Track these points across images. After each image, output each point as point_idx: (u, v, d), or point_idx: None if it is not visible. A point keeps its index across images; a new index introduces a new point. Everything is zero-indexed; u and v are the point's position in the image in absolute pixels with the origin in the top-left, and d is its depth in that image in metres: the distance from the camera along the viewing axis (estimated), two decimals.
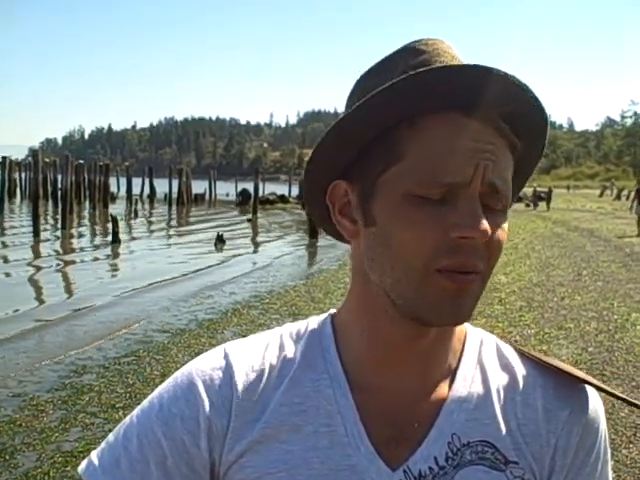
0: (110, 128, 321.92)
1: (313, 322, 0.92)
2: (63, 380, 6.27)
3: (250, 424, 0.83)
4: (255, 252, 19.26)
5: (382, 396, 0.85)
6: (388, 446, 0.82)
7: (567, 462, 0.84)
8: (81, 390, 5.95)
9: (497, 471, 0.82)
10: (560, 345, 7.37)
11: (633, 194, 26.00)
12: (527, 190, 47.07)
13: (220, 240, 19.71)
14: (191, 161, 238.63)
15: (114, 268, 15.43)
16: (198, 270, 14.28)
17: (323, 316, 0.93)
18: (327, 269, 13.89)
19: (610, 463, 0.91)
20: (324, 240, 19.63)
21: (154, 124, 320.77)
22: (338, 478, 0.81)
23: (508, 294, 10.42)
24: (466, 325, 0.91)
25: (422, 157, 0.75)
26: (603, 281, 11.97)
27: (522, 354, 0.91)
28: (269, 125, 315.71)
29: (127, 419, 0.87)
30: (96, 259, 16.76)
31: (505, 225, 0.79)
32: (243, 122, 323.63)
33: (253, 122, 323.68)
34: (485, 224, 0.73)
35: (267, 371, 0.86)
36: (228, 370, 0.85)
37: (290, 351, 0.88)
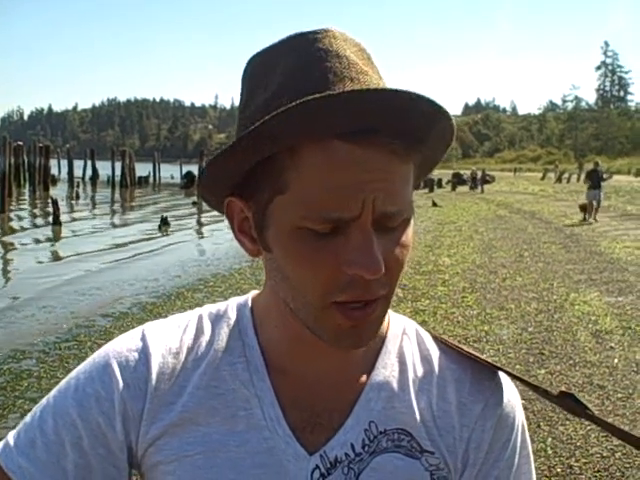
0: (50, 109, 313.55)
1: (233, 304, 0.90)
2: (1, 366, 6.12)
3: (166, 407, 0.82)
4: (200, 235, 19.07)
5: (300, 381, 0.84)
6: (305, 430, 0.82)
7: (481, 456, 0.85)
8: (20, 376, 5.82)
9: (412, 459, 0.82)
10: (501, 325, 7.51)
11: (583, 177, 24.98)
12: (472, 172, 47.77)
13: (164, 223, 19.45)
14: (134, 143, 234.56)
15: (54, 251, 15.07)
16: (141, 253, 14.06)
17: (244, 298, 0.91)
18: None
19: (531, 456, 0.91)
20: None
21: (96, 105, 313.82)
22: (255, 461, 0.80)
23: (451, 276, 10.57)
24: (389, 313, 0.90)
25: (305, 190, 0.70)
26: (544, 262, 12.24)
27: (442, 344, 0.91)
28: (214, 107, 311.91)
29: (44, 400, 0.85)
30: (37, 242, 16.36)
31: (409, 233, 0.76)
32: (187, 104, 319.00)
33: (198, 104, 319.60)
34: (380, 263, 0.70)
35: (184, 353, 0.85)
36: (144, 351, 0.83)
37: (208, 333, 0.87)
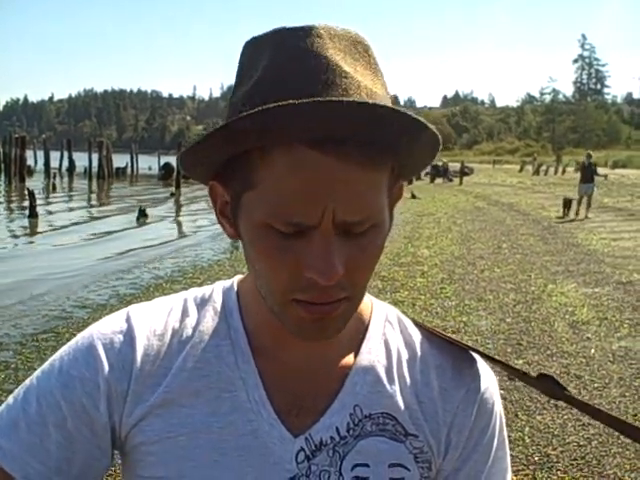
0: (26, 99, 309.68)
1: (218, 288, 0.91)
2: None
3: (151, 388, 0.82)
4: (178, 227, 18.96)
5: (285, 364, 0.85)
6: (290, 414, 0.83)
7: (462, 440, 0.87)
8: None
9: (397, 442, 0.84)
10: (480, 316, 7.57)
11: (578, 171, 21.94)
12: (449, 165, 47.95)
13: (142, 214, 19.30)
14: (112, 134, 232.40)
15: (30, 243, 14.92)
16: (119, 245, 13.95)
17: (229, 282, 0.92)
18: None
19: (507, 442, 0.93)
20: None
21: (72, 96, 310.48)
22: (239, 443, 0.81)
23: (430, 267, 10.62)
24: (372, 299, 0.92)
25: (270, 192, 0.71)
26: (521, 254, 12.34)
27: (423, 330, 0.93)
28: (192, 98, 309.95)
29: (27, 381, 0.85)
30: (13, 234, 16.17)
31: (379, 239, 0.75)
32: (165, 95, 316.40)
33: (176, 95, 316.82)
34: (335, 269, 0.70)
35: (169, 335, 0.85)
36: (129, 333, 0.83)
37: (193, 316, 0.87)
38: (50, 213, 21.66)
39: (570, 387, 5.28)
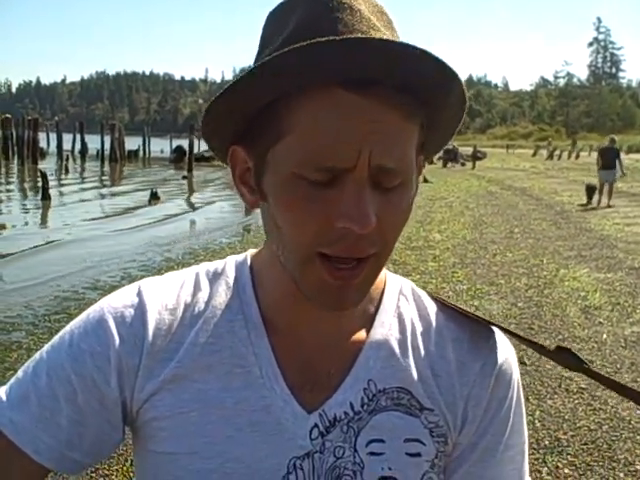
0: (38, 81, 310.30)
1: (231, 262, 0.89)
2: None
3: (162, 363, 0.81)
4: (190, 209, 18.97)
5: (298, 340, 0.84)
6: (303, 390, 0.82)
7: (479, 413, 0.86)
8: (10, 348, 5.78)
9: (412, 417, 0.83)
10: (491, 300, 7.54)
11: (596, 156, 19.56)
12: (462, 149, 47.74)
13: (154, 197, 19.33)
14: (124, 117, 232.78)
15: (43, 225, 14.98)
16: (130, 227, 13.98)
17: (242, 256, 0.90)
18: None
19: (524, 414, 0.92)
20: None
21: (85, 78, 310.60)
22: (252, 419, 0.80)
23: (442, 251, 10.58)
24: (385, 272, 0.91)
25: (303, 137, 0.70)
26: (534, 238, 12.27)
27: (439, 303, 0.91)
28: (204, 81, 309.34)
29: (37, 355, 0.84)
30: (26, 215, 16.24)
31: (406, 199, 0.74)
32: (177, 77, 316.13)
33: (188, 77, 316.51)
34: (370, 217, 0.69)
35: (181, 310, 0.83)
36: (141, 308, 0.82)
37: (206, 290, 0.85)
38: (62, 195, 21.72)
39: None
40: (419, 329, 0.87)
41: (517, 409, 0.89)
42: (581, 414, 4.49)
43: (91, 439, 0.82)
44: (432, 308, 0.90)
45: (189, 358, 0.81)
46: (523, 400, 0.92)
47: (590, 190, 18.40)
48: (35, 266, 9.60)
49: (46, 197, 18.60)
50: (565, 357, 0.86)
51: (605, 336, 6.22)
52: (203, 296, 0.85)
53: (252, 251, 0.91)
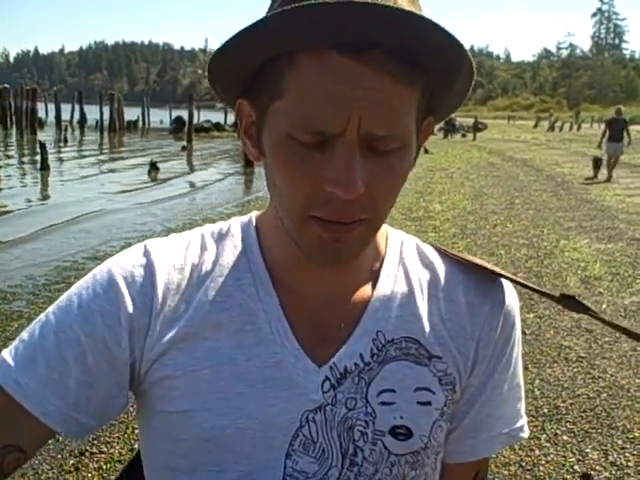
0: (37, 51, 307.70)
1: (235, 223, 0.90)
2: None
3: (172, 322, 0.80)
4: (189, 180, 18.91)
5: (307, 296, 0.84)
6: (313, 345, 0.82)
7: (489, 353, 0.88)
8: (10, 317, 5.80)
9: (421, 366, 0.84)
10: None
11: (602, 127, 18.80)
12: (463, 120, 47.53)
13: (154, 167, 19.25)
14: (123, 87, 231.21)
15: (42, 195, 14.94)
16: (130, 197, 13.95)
17: (246, 217, 0.90)
18: (263, 197, 13.76)
19: (521, 353, 0.96)
20: (260, 169, 19.52)
21: (83, 48, 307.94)
22: (265, 375, 0.80)
23: (442, 222, 10.57)
24: (387, 228, 0.92)
25: (297, 99, 0.70)
26: (534, 209, 12.25)
27: (441, 252, 0.93)
28: (204, 51, 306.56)
29: (42, 316, 0.84)
30: (25, 186, 16.19)
31: (403, 164, 0.73)
32: (177, 47, 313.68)
33: (187, 47, 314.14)
34: (356, 184, 0.68)
35: (189, 270, 0.83)
36: (149, 267, 0.82)
37: (212, 250, 0.86)
38: (62, 165, 21.64)
39: (581, 341, 5.29)
40: (425, 278, 0.89)
41: (518, 352, 0.93)
42: (580, 382, 4.51)
43: (98, 401, 0.81)
44: (436, 258, 0.92)
45: (199, 317, 0.81)
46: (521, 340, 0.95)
47: (597, 163, 17.72)
48: (35, 237, 9.59)
49: (45, 167, 18.51)
50: (571, 303, 0.89)
51: (605, 306, 6.23)
52: (210, 256, 0.85)
53: (256, 212, 0.91)
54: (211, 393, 0.80)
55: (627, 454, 3.57)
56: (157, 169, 19.27)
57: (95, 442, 3.65)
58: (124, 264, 0.83)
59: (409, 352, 0.84)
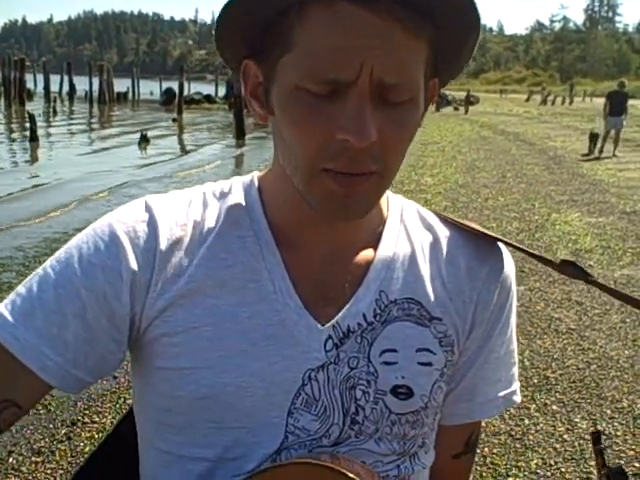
0: (25, 21, 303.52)
1: (237, 182, 0.89)
2: None
3: (174, 279, 0.80)
4: (180, 152, 18.80)
5: (309, 256, 0.84)
6: (316, 304, 0.82)
7: (486, 316, 0.89)
8: (0, 288, 5.79)
9: (422, 327, 0.85)
10: None
11: (604, 102, 17.75)
12: (455, 94, 47.39)
13: (144, 139, 19.10)
14: (112, 58, 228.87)
15: (32, 167, 14.81)
16: (120, 166, 13.85)
17: (248, 177, 0.90)
18: (257, 169, 13.67)
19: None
20: (252, 141, 19.43)
21: (72, 17, 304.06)
22: (267, 333, 0.80)
23: (434, 195, 10.56)
24: (388, 194, 0.92)
25: (308, 49, 0.70)
26: (526, 183, 12.25)
27: (441, 217, 0.94)
28: (194, 21, 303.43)
29: (40, 270, 0.82)
30: (13, 157, 16.06)
31: (413, 117, 0.74)
32: (167, 17, 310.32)
33: (177, 18, 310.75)
34: (369, 130, 0.69)
35: (191, 226, 0.83)
36: (152, 223, 0.81)
37: (214, 208, 0.85)
38: (51, 137, 21.45)
39: (571, 313, 5.32)
40: (426, 240, 0.89)
41: (513, 318, 0.94)
42: (570, 354, 4.55)
43: (96, 357, 0.80)
44: (437, 222, 0.92)
45: (201, 273, 0.80)
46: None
47: (593, 138, 17.18)
48: (25, 208, 9.53)
49: (34, 139, 18.34)
50: (570, 269, 0.88)
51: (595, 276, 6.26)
52: (212, 213, 0.85)
53: (257, 173, 0.91)
54: (213, 350, 0.79)
55: (615, 423, 3.61)
56: (147, 141, 19.13)
57: (87, 412, 3.66)
58: (126, 219, 0.82)
59: (411, 313, 0.84)
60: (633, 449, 3.35)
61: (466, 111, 38.84)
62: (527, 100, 59.81)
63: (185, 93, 38.74)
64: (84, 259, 0.79)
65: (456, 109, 42.22)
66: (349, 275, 0.84)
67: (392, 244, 0.87)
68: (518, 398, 0.96)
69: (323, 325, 0.82)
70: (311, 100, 0.70)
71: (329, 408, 0.81)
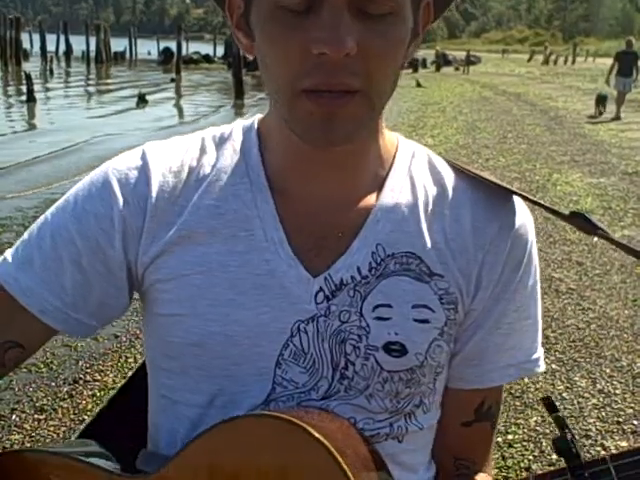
0: None
1: (238, 126, 0.87)
2: None
3: (166, 226, 0.80)
4: (179, 113, 18.66)
5: (305, 204, 0.81)
6: (309, 254, 0.80)
7: (494, 278, 0.84)
8: (0, 249, 5.79)
9: (421, 282, 0.81)
10: None
11: (611, 62, 17.17)
12: (456, 54, 46.89)
13: (142, 100, 18.94)
14: (109, 17, 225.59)
15: (29, 127, 14.71)
16: (119, 129, 13.75)
17: (249, 120, 0.88)
18: None
19: (539, 288, 0.90)
20: (251, 101, 19.29)
21: None
22: (256, 282, 0.79)
23: None
24: (398, 137, 0.88)
25: None
26: (527, 144, 12.18)
27: (454, 167, 0.88)
28: None
29: (42, 217, 0.84)
30: (11, 118, 15.94)
31: (396, 31, 0.71)
32: None
33: None
34: (343, 40, 0.66)
35: (186, 173, 0.82)
36: (145, 170, 0.81)
37: (212, 154, 0.84)
38: (48, 98, 21.25)
39: (571, 273, 5.32)
40: (432, 193, 0.84)
41: (534, 277, 0.88)
42: (570, 313, 4.56)
43: (96, 302, 0.82)
44: (447, 172, 0.87)
45: (193, 221, 0.80)
46: (539, 270, 0.90)
47: (600, 100, 16.51)
48: (23, 168, 9.48)
49: (31, 99, 18.17)
50: (579, 221, 0.85)
51: (596, 239, 6.17)
52: (208, 160, 0.83)
53: (259, 115, 0.88)
54: (201, 298, 0.79)
55: (614, 382, 3.63)
56: (145, 101, 18.97)
57: (89, 370, 3.68)
58: (120, 166, 0.82)
59: (409, 267, 0.81)
60: (632, 407, 3.37)
61: (464, 71, 38.47)
62: (529, 60, 59.14)
63: (183, 53, 38.28)
64: (78, 206, 0.81)
65: (457, 69, 41.84)
66: (345, 225, 0.81)
67: (394, 194, 0.83)
68: (540, 368, 0.91)
69: (315, 276, 0.79)
70: (287, 17, 0.69)
71: (318, 361, 0.80)
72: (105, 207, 0.80)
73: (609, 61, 18.80)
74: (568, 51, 63.18)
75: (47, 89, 24.41)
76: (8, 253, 0.83)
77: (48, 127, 14.17)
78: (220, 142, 0.85)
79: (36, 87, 19.62)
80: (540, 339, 0.91)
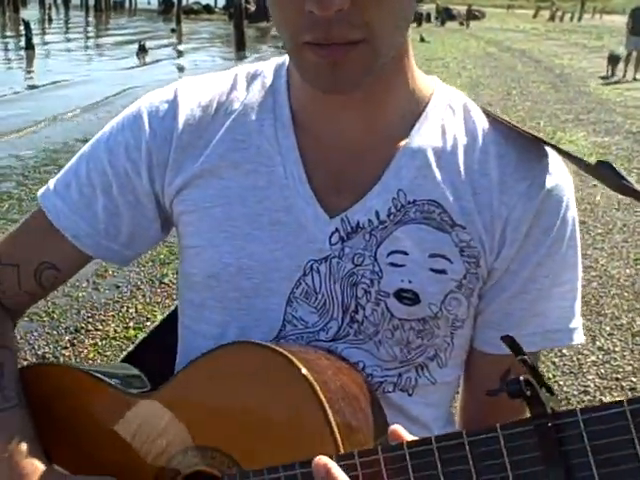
0: None
1: (271, 63, 0.88)
2: None
3: (191, 158, 0.81)
4: (179, 64, 18.41)
5: (329, 143, 0.80)
6: (328, 194, 0.79)
7: (519, 237, 0.79)
8: (0, 198, 5.76)
9: (442, 232, 0.78)
10: None
11: (627, 19, 16.21)
12: (460, 8, 46.18)
13: (142, 50, 18.69)
14: None
15: (29, 76, 14.53)
16: (118, 81, 13.58)
17: (283, 57, 0.87)
18: None
19: (579, 251, 0.84)
20: (252, 53, 19.06)
21: None
22: (273, 218, 0.79)
23: None
24: (437, 82, 0.86)
25: None
26: (531, 101, 12.05)
27: (490, 118, 0.84)
28: None
29: (84, 147, 0.89)
30: (9, 66, 15.74)
31: None
32: None
33: None
34: None
35: (214, 108, 0.83)
36: (174, 104, 0.84)
37: (242, 90, 0.85)
38: (47, 45, 20.95)
39: None
40: (462, 143, 0.81)
41: (569, 242, 0.82)
42: None
43: (128, 232, 0.86)
44: (481, 122, 0.83)
45: (217, 154, 0.81)
46: (578, 233, 0.84)
47: (613, 60, 15.78)
48: (23, 118, 9.39)
49: (30, 47, 17.91)
50: (605, 171, 0.77)
51: (598, 198, 6.23)
52: (238, 95, 0.84)
53: None
54: (219, 231, 0.80)
55: (614, 339, 3.65)
56: (146, 51, 18.72)
57: (90, 320, 3.69)
58: (153, 100, 0.85)
59: (431, 216, 0.78)
60: (631, 364, 3.40)
61: (462, 23, 37.86)
62: (535, 16, 58.24)
63: (183, 2, 37.64)
64: (111, 137, 0.85)
65: (461, 24, 41.21)
66: (368, 168, 0.79)
67: (422, 140, 0.80)
68: (573, 340, 0.85)
69: (332, 217, 0.78)
70: None
71: (328, 302, 0.79)
72: (135, 138, 0.83)
73: (617, 18, 18.48)
74: (575, 7, 62.15)
75: (45, 37, 24.03)
76: (52, 179, 0.88)
77: (45, 79, 13.98)
78: (252, 79, 0.86)
79: (35, 35, 19.30)
80: (578, 310, 0.86)
